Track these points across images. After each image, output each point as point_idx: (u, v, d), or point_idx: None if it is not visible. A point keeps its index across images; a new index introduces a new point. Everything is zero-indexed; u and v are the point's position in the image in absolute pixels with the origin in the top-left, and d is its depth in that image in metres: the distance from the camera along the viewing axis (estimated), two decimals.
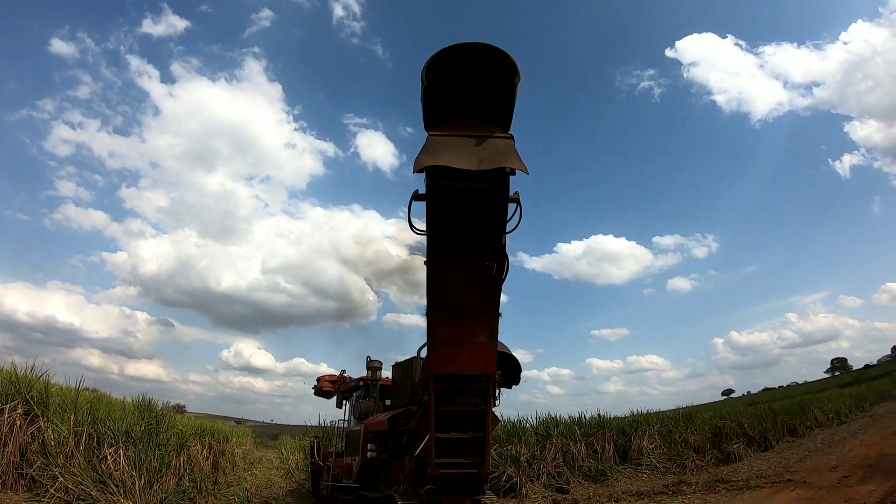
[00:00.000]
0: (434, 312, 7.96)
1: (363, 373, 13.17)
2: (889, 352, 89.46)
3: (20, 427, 10.27)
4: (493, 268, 7.52)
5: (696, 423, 19.08)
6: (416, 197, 7.09)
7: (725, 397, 72.07)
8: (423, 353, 9.04)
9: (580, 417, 18.30)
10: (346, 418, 13.28)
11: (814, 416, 23.79)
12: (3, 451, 9.98)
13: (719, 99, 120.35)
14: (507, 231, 7.38)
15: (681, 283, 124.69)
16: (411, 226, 7.32)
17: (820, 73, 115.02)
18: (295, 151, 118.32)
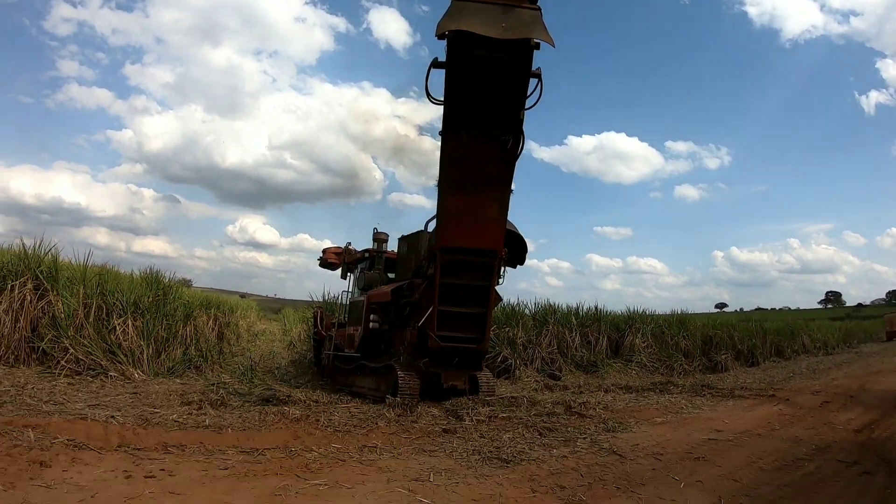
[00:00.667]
0: (446, 183, 8.08)
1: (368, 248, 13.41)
2: (884, 296, 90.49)
3: (30, 302, 10.63)
4: (509, 142, 7.54)
5: (688, 329, 19.63)
6: (436, 64, 7.07)
7: (719, 310, 73.18)
8: (431, 227, 9.19)
9: (577, 308, 18.74)
10: (350, 289, 13.55)
11: (802, 341, 24.75)
12: (15, 326, 10.35)
13: (752, 11, 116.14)
14: (526, 107, 7.37)
15: (688, 191, 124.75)
16: (428, 94, 7.33)
17: (860, 3, 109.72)
18: (305, 26, 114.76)
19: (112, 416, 7.08)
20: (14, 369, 9.92)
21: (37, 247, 11.61)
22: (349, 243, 13.94)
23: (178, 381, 10.85)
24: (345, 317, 13.08)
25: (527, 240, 9.64)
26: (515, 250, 9.45)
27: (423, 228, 10.07)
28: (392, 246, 12.94)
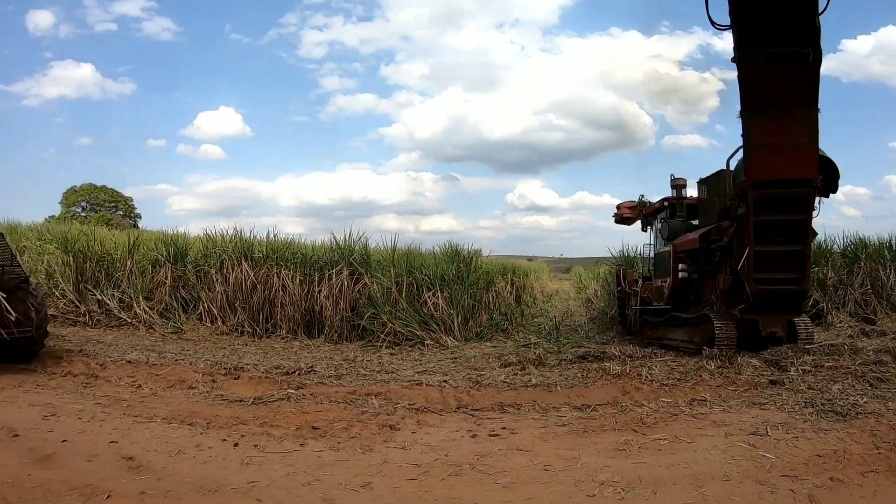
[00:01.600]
0: (748, 112, 7.53)
1: (653, 198, 12.58)
2: None
3: (347, 286, 11.80)
4: (810, 55, 6.91)
5: None
6: None
7: None
8: (734, 164, 8.60)
9: (890, 240, 15.26)
10: (652, 242, 12.74)
11: None
12: (336, 308, 11.57)
13: None
14: (819, 11, 6.72)
15: None
16: (712, 22, 7.12)
17: None
18: None
19: (444, 381, 7.17)
20: (339, 346, 10.97)
21: (347, 238, 12.84)
22: (642, 196, 13.21)
23: (488, 344, 10.96)
24: (649, 270, 12.50)
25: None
26: (827, 177, 8.31)
27: (723, 168, 9.20)
28: (691, 191, 11.82)
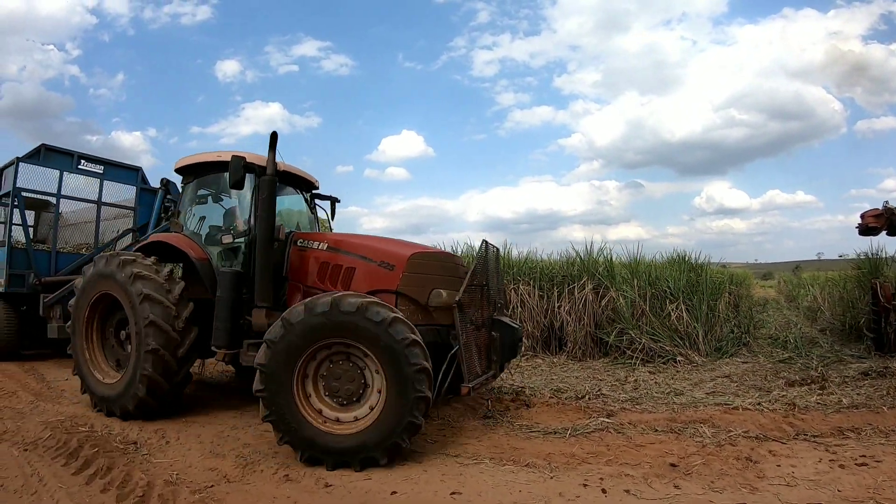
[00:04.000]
0: None
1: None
2: None
3: (593, 300, 11.48)
4: None
5: None
6: None
7: None
8: None
9: None
10: None
11: None
12: (580, 322, 11.35)
13: None
14: None
15: None
16: None
17: None
18: None
19: (757, 404, 6.83)
20: (585, 362, 10.70)
21: (588, 250, 12.62)
22: (886, 202, 12.16)
23: (738, 360, 10.51)
24: None
25: None
26: None
27: None
28: None
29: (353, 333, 5.05)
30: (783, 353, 11.08)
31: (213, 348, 6.34)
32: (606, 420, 6.32)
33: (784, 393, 7.50)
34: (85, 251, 11.38)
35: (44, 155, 10.57)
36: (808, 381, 8.08)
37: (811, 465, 4.92)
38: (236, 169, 6.12)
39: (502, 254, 12.79)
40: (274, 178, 6.11)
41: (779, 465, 4.90)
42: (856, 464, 4.89)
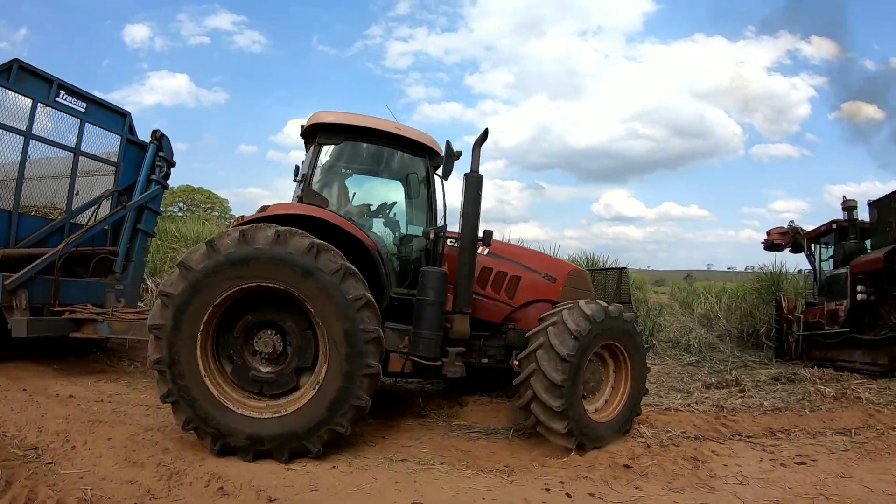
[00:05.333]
0: None
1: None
2: None
3: None
4: None
5: None
6: None
7: None
8: None
9: None
10: (815, 265, 13.08)
11: None
12: None
13: None
14: None
15: None
16: None
17: None
18: None
19: (688, 405, 6.99)
20: None
21: None
22: (792, 221, 13.59)
23: (647, 362, 10.75)
24: (814, 295, 12.84)
25: None
26: None
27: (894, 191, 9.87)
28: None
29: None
30: (689, 357, 11.49)
31: (413, 359, 5.43)
32: None
33: (706, 395, 7.78)
34: (58, 217, 8.29)
35: (15, 75, 7.35)
36: (725, 385, 8.42)
37: (755, 464, 5.03)
38: (450, 156, 5.69)
39: None
40: (481, 176, 5.55)
41: (725, 465, 4.96)
42: (795, 463, 5.05)
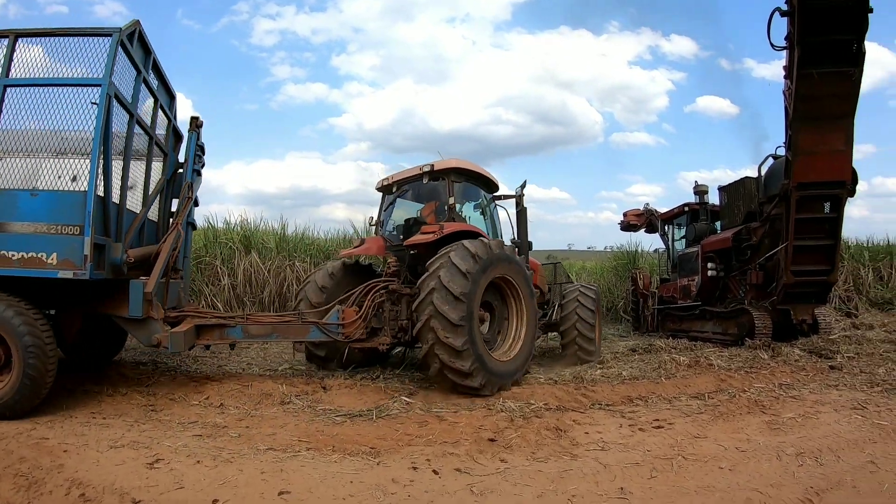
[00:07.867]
0: (799, 123, 8.48)
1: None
2: None
3: None
4: (854, 74, 7.96)
5: None
6: (783, 13, 7.99)
7: None
8: (765, 168, 9.94)
9: (868, 241, 17.03)
10: (669, 245, 14.02)
11: None
12: None
13: None
14: (864, 38, 7.77)
15: None
16: (772, 44, 8.30)
17: None
18: None
19: (550, 378, 7.10)
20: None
21: (367, 229, 12.32)
22: (647, 204, 14.57)
23: None
24: (668, 272, 13.76)
25: None
26: (851, 181, 9.23)
27: (743, 177, 11.04)
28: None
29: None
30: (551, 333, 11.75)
31: None
32: (408, 399, 6.06)
33: (567, 368, 7.96)
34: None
35: (137, 40, 6.09)
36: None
37: (615, 430, 5.11)
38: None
39: (277, 230, 13.36)
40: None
41: (587, 433, 5.00)
42: (653, 427, 5.19)
